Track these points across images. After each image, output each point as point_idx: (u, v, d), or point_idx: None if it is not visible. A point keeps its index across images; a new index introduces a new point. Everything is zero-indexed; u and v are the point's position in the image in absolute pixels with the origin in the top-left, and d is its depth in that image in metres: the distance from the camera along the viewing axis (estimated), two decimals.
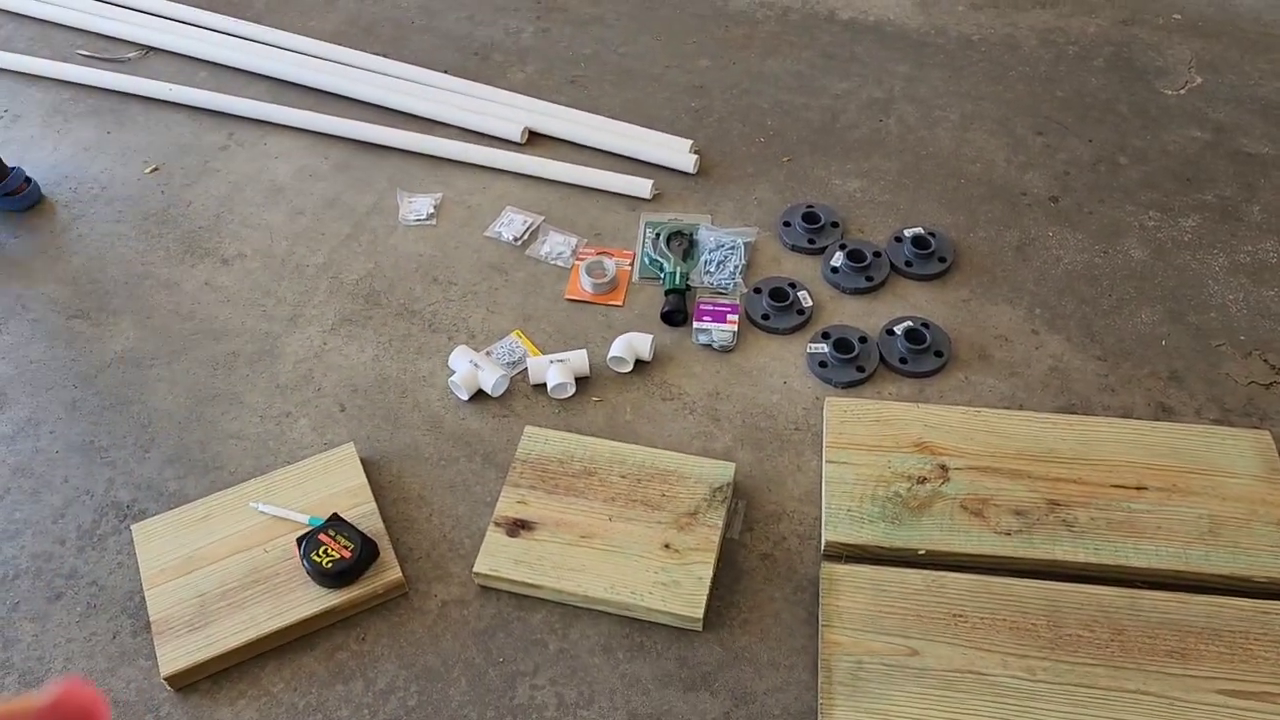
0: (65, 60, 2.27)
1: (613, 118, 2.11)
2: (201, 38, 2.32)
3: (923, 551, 1.40)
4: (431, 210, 1.94)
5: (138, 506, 1.52)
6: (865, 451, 1.51)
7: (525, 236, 1.89)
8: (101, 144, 2.09)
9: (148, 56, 2.29)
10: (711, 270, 1.80)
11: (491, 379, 1.62)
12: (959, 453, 1.50)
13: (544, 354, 1.69)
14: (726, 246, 1.83)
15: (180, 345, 1.73)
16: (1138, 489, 1.47)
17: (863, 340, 1.68)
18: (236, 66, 2.25)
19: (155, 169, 2.04)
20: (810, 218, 1.86)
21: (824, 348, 1.67)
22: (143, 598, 1.40)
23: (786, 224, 1.88)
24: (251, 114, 2.14)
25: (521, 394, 1.65)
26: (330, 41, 2.30)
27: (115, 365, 1.70)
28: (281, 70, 2.23)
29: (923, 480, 1.47)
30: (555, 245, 1.87)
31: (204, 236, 1.91)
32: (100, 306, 1.79)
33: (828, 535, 1.42)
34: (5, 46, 2.31)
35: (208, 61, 2.27)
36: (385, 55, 2.27)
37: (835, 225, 1.87)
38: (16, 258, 1.87)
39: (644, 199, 1.95)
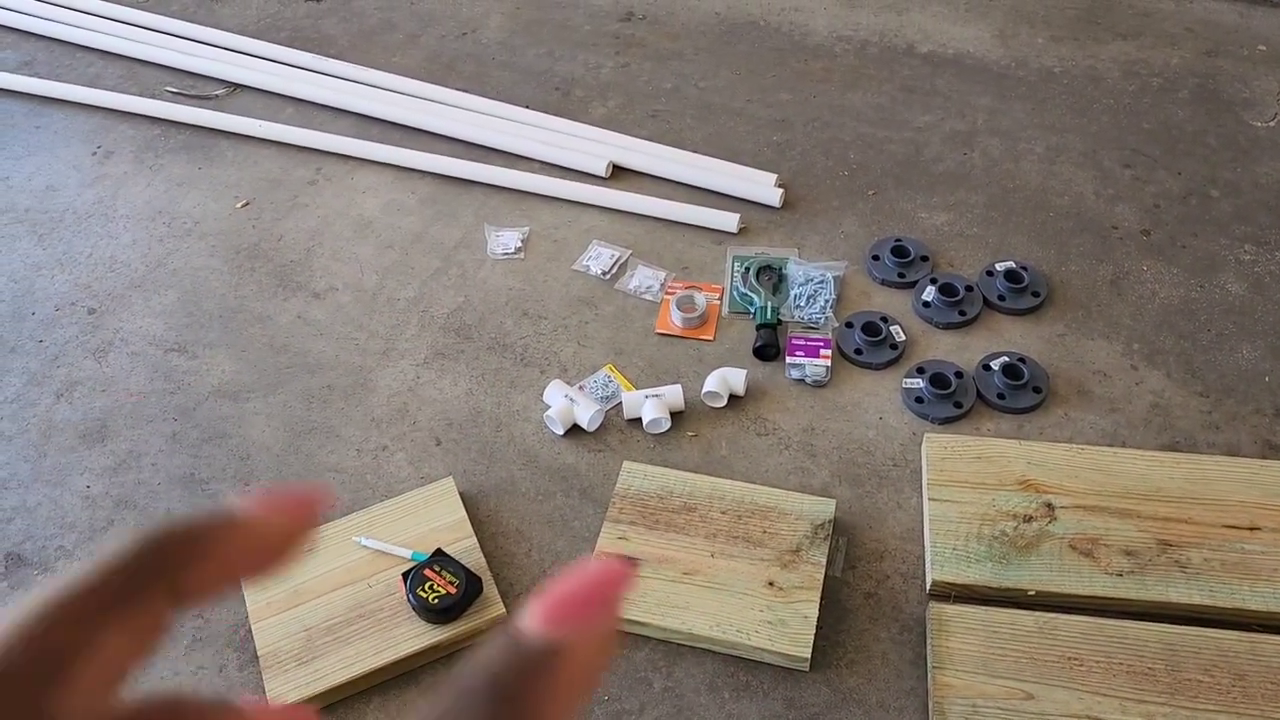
0: (155, 97, 2.33)
1: (695, 152, 2.12)
2: (287, 75, 2.36)
3: (1033, 592, 1.38)
4: (519, 244, 1.95)
5: None
6: (968, 489, 1.49)
7: (613, 270, 1.90)
8: (193, 179, 2.13)
9: (235, 93, 2.34)
10: (802, 304, 1.79)
11: (587, 414, 1.62)
12: (1065, 491, 1.48)
13: (637, 388, 1.69)
14: (816, 280, 1.82)
15: (275, 378, 1.75)
16: (1251, 529, 1.43)
17: (959, 375, 1.66)
18: (322, 103, 2.29)
19: (246, 204, 2.07)
20: (899, 251, 1.85)
21: (920, 383, 1.66)
22: (248, 631, 1.41)
23: (875, 258, 1.87)
24: (338, 149, 2.17)
25: (616, 429, 1.65)
26: (413, 77, 2.34)
27: (213, 398, 1.73)
28: (366, 106, 2.26)
29: (1029, 519, 1.45)
30: (644, 279, 1.87)
31: (295, 270, 1.94)
32: (196, 340, 1.82)
33: (934, 574, 1.40)
34: (96, 84, 2.37)
35: (293, 98, 2.32)
36: (467, 91, 2.30)
37: (925, 259, 1.86)
38: (114, 292, 1.90)
39: (730, 233, 1.95)
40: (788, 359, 1.71)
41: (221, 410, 1.71)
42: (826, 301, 1.79)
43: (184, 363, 1.78)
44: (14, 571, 1.50)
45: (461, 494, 1.54)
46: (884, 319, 1.76)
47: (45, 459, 1.64)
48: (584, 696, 0.24)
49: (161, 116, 2.27)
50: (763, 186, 2.02)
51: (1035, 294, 1.79)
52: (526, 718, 0.23)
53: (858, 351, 1.72)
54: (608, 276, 1.89)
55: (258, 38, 2.47)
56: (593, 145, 2.15)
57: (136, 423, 1.69)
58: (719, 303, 1.83)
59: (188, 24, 2.51)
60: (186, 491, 1.59)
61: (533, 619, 0.25)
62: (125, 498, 1.59)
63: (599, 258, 1.92)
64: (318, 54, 2.41)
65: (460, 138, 2.19)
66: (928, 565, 1.43)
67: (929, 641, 1.34)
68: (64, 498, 1.59)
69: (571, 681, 0.24)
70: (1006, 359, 1.67)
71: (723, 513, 1.48)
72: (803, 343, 1.73)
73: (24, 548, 1.53)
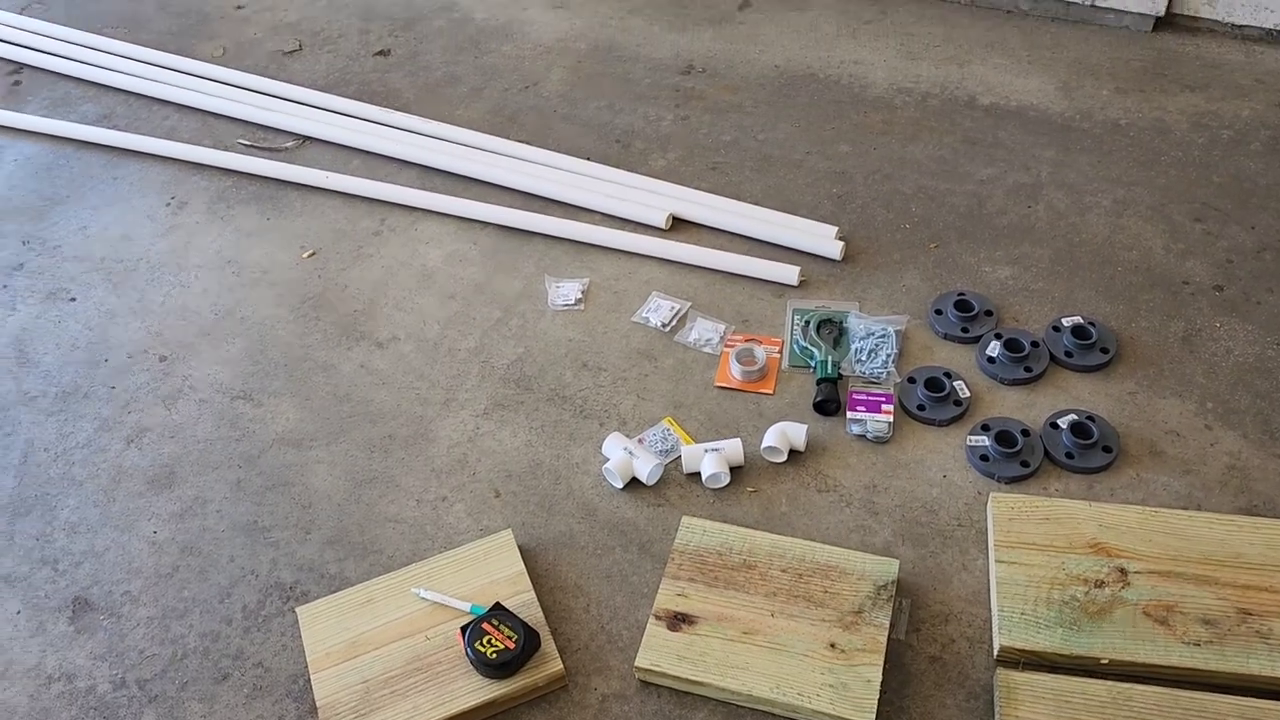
0: (227, 149, 2.39)
1: (755, 203, 2.12)
2: (354, 127, 2.41)
3: (1105, 661, 1.33)
4: (579, 295, 1.96)
5: (300, 588, 1.54)
6: (1036, 551, 1.45)
7: (673, 322, 1.90)
8: (262, 229, 2.18)
9: (304, 146, 2.40)
10: (863, 359, 1.77)
11: (646, 468, 1.61)
12: (1138, 555, 1.43)
13: (696, 442, 1.68)
14: (877, 335, 1.80)
15: (338, 427, 1.77)
16: None
17: (1025, 434, 1.63)
18: (387, 155, 2.34)
19: (312, 254, 2.11)
20: (963, 306, 1.83)
21: (985, 440, 1.62)
22: (307, 681, 1.41)
23: (938, 312, 1.85)
24: (402, 200, 2.21)
25: (675, 483, 1.64)
26: (477, 130, 2.37)
27: (277, 446, 1.75)
28: (430, 158, 2.30)
29: (1100, 584, 1.40)
30: (703, 332, 1.87)
31: (359, 320, 1.96)
32: (262, 388, 1.85)
33: (1002, 640, 1.36)
34: (172, 136, 2.44)
35: (360, 150, 2.37)
36: (529, 143, 2.33)
37: (989, 314, 1.84)
38: (184, 340, 1.95)
39: (790, 285, 1.94)
40: (849, 414, 1.69)
41: (285, 458, 1.73)
42: (888, 356, 1.77)
43: (249, 410, 1.81)
44: (81, 615, 1.52)
45: (520, 547, 1.53)
46: (947, 374, 1.73)
47: (114, 504, 1.67)
48: None
49: (233, 168, 2.33)
50: (823, 239, 2.01)
51: (1104, 350, 1.75)
52: None
53: (920, 407, 1.69)
54: (667, 329, 1.89)
55: (327, 91, 2.53)
56: (652, 197, 2.16)
57: (202, 469, 1.72)
58: (779, 356, 1.82)
59: (260, 78, 2.59)
60: (249, 539, 1.61)
61: None
62: (190, 544, 1.61)
63: (658, 310, 1.92)
64: (385, 107, 2.46)
65: (522, 189, 2.22)
66: (995, 630, 1.39)
67: (997, 710, 1.30)
68: (131, 543, 1.62)
69: None
70: (1075, 417, 1.63)
71: (783, 571, 1.46)
72: (864, 398, 1.71)
73: (91, 592, 1.55)
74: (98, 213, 2.25)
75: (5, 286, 2.06)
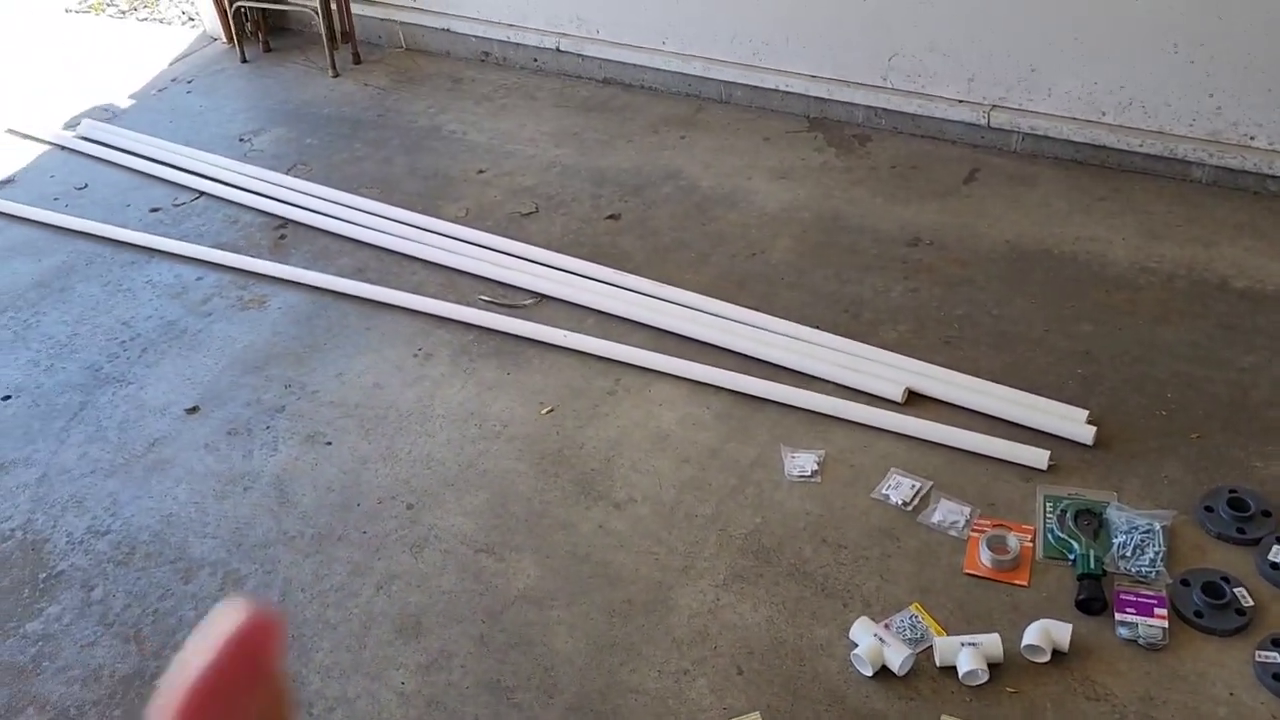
0: (470, 305, 2.53)
1: (992, 380, 2.08)
2: (587, 287, 2.52)
3: None
4: (815, 467, 1.95)
5: None
6: None
7: (914, 501, 1.85)
8: (502, 384, 2.28)
9: (541, 303, 2.51)
10: (1127, 555, 1.68)
11: (899, 658, 1.55)
12: None
13: (947, 632, 1.61)
14: (1141, 529, 1.71)
15: (578, 587, 1.78)
16: None
17: None
18: (620, 315, 2.42)
19: (550, 410, 2.18)
20: (1237, 504, 1.72)
21: (1277, 658, 1.49)
22: None
23: (1208, 509, 1.74)
24: (635, 361, 2.27)
25: (926, 674, 1.56)
26: (705, 294, 2.44)
27: (518, 603, 1.77)
28: (661, 320, 2.37)
29: None
30: (948, 514, 1.81)
31: (596, 479, 2.00)
32: (504, 542, 1.89)
33: None
34: (419, 291, 2.60)
35: (593, 309, 2.46)
36: (758, 309, 2.37)
37: (1267, 514, 1.72)
38: (430, 489, 2.02)
39: (1039, 470, 1.87)
40: (1116, 615, 1.59)
41: (526, 616, 1.75)
42: (1156, 554, 1.67)
43: (492, 564, 1.85)
44: None
45: None
46: (1225, 579, 1.61)
47: (365, 650, 1.72)
48: None
49: (475, 323, 2.46)
50: (1072, 422, 1.94)
51: None
52: None
53: (1198, 614, 1.58)
54: (909, 508, 1.84)
55: (562, 252, 2.66)
56: (885, 369, 2.15)
57: (447, 621, 1.75)
58: (1032, 545, 1.74)
59: (500, 238, 2.75)
60: (493, 698, 1.62)
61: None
62: (436, 698, 1.63)
63: (899, 487, 1.88)
64: (616, 269, 2.57)
65: (752, 355, 2.25)
66: None
67: None
68: (380, 692, 1.65)
69: None
70: None
71: None
72: (1133, 599, 1.61)
73: None
74: (352, 360, 2.40)
75: (268, 428, 2.21)
